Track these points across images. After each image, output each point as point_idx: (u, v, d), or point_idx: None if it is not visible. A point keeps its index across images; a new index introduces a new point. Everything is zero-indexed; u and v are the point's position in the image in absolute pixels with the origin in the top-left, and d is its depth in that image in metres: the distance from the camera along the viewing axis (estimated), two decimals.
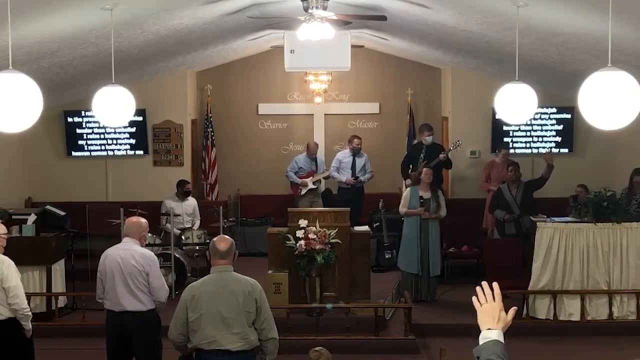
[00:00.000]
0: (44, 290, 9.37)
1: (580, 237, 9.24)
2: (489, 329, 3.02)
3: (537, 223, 9.40)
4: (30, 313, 6.51)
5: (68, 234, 10.27)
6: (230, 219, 12.45)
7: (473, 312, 3.10)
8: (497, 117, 10.86)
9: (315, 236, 9.17)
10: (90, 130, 12.92)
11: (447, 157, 11.48)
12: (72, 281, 9.97)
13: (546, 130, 12.93)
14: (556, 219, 9.50)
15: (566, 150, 12.90)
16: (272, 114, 14.02)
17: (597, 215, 9.23)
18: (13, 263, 6.43)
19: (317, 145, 13.17)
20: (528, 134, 12.92)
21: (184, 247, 10.76)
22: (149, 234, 8.89)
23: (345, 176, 12.41)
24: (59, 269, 9.61)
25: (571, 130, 12.83)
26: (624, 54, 6.97)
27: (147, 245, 7.32)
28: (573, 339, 9.01)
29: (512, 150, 12.52)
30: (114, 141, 12.98)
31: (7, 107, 4.26)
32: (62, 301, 9.67)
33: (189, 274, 10.44)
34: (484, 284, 3.14)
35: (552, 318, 9.32)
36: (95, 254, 8.51)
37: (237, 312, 5.32)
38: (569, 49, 8.06)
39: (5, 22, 4.89)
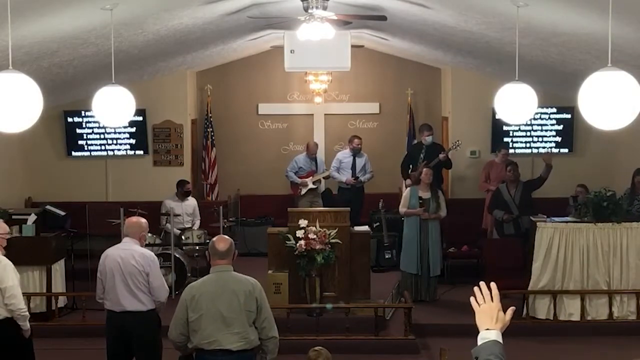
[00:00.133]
0: (44, 290, 9.37)
1: (580, 237, 9.24)
2: (488, 329, 3.01)
3: (537, 223, 9.40)
4: (27, 313, 6.48)
5: (68, 234, 10.28)
6: (230, 219, 12.45)
7: (473, 312, 3.10)
8: (497, 117, 10.86)
9: (315, 236, 9.17)
10: (90, 130, 12.92)
11: (447, 157, 11.48)
12: (72, 281, 9.97)
13: (546, 130, 12.93)
14: (556, 219, 9.50)
15: (566, 150, 12.91)
16: (272, 114, 14.02)
17: (597, 215, 9.23)
18: (10, 263, 6.40)
19: (316, 145, 13.16)
20: (528, 134, 12.93)
21: (184, 247, 10.76)
22: (149, 234, 8.89)
23: (345, 176, 12.41)
24: (59, 269, 9.61)
25: (571, 130, 12.83)
26: (624, 54, 6.97)
27: (147, 245, 7.33)
28: (573, 339, 9.00)
29: (512, 150, 12.52)
30: (114, 141, 12.98)
31: (7, 107, 4.26)
32: (62, 301, 9.67)
33: (189, 274, 10.44)
34: (482, 284, 3.14)
35: (552, 318, 9.32)
36: (95, 254, 8.50)
37: (238, 311, 5.32)
38: (569, 49, 8.06)
39: (5, 22, 4.89)
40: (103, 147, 12.97)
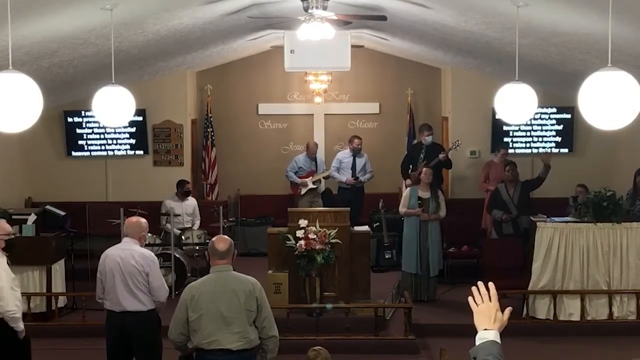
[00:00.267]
0: (44, 290, 9.37)
1: (580, 237, 9.24)
2: (486, 329, 3.01)
3: (537, 223, 9.40)
4: (17, 315, 6.30)
5: (68, 234, 10.27)
6: (230, 219, 12.45)
7: (472, 312, 3.10)
8: (497, 117, 10.86)
9: (315, 236, 9.17)
10: (90, 130, 12.92)
11: (447, 157, 11.48)
12: (72, 281, 9.96)
13: (546, 130, 12.93)
14: (556, 219, 9.50)
15: (566, 150, 12.91)
16: (272, 114, 14.02)
17: (597, 215, 9.23)
18: (4, 263, 6.32)
19: (316, 145, 13.16)
20: (528, 134, 12.93)
21: (184, 247, 10.76)
22: (149, 234, 8.90)
23: (345, 176, 12.41)
24: (59, 269, 9.61)
25: (571, 130, 12.83)
26: (624, 54, 6.97)
27: (147, 245, 7.33)
28: (573, 339, 9.00)
29: (512, 150, 12.53)
30: (114, 141, 12.98)
31: (7, 107, 4.26)
32: (62, 301, 9.67)
33: (189, 274, 10.44)
34: (480, 284, 3.13)
35: (552, 318, 9.32)
36: (95, 254, 8.49)
37: (238, 311, 5.33)
38: (569, 49, 8.06)
39: (5, 22, 4.89)
40: (103, 147, 12.98)
